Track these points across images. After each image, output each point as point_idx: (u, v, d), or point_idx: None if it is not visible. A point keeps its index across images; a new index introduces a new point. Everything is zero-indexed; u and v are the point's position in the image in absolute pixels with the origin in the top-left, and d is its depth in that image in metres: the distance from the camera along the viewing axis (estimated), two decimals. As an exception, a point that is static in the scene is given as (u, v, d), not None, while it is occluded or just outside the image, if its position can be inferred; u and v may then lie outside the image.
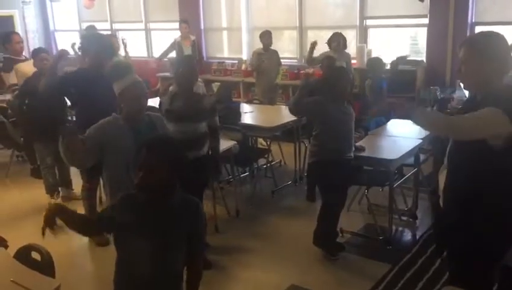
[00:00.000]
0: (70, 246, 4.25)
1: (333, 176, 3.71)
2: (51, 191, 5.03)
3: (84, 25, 10.50)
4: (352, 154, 3.82)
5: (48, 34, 11.23)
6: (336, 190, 3.81)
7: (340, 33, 6.19)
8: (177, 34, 7.70)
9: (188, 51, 7.43)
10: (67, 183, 5.22)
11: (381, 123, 4.89)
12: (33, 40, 10.54)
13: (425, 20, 6.58)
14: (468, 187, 2.15)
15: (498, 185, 2.07)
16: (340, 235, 4.15)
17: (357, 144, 4.04)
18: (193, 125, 3.62)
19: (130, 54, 6.79)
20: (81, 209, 4.36)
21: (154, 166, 1.95)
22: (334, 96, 3.70)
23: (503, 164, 2.03)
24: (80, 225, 2.16)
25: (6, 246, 2.86)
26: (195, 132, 3.64)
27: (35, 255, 2.46)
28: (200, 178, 3.77)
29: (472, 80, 2.17)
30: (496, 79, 2.11)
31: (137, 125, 2.90)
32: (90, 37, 4.23)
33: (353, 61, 6.65)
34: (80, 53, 4.65)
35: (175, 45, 7.51)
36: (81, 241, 4.31)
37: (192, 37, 7.71)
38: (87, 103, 3.94)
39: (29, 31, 10.66)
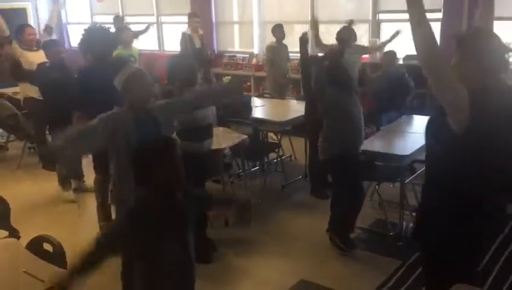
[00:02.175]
0: (82, 237, 4.27)
1: (350, 173, 3.71)
2: (64, 182, 5.07)
3: (96, 18, 10.56)
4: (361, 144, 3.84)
5: (60, 26, 11.27)
6: (353, 187, 3.81)
7: (350, 27, 6.07)
8: (184, 27, 7.65)
9: (198, 44, 7.39)
10: (79, 176, 5.25)
11: (393, 119, 4.86)
12: (45, 33, 10.57)
13: (439, 15, 6.50)
14: (435, 173, 2.21)
15: (459, 171, 2.06)
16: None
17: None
18: (202, 112, 3.62)
19: (141, 47, 6.83)
20: (93, 202, 4.39)
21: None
22: (343, 87, 3.71)
23: (463, 150, 2.02)
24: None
25: (18, 237, 2.89)
26: (204, 119, 3.66)
27: (47, 246, 2.48)
28: (209, 171, 3.80)
29: (456, 75, 2.10)
30: (478, 79, 2.03)
31: (140, 119, 2.84)
32: (92, 32, 4.12)
33: (365, 56, 6.60)
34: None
35: (186, 38, 7.45)
36: (92, 232, 4.33)
37: (201, 31, 7.63)
38: (91, 101, 3.95)
39: (41, 23, 10.70)
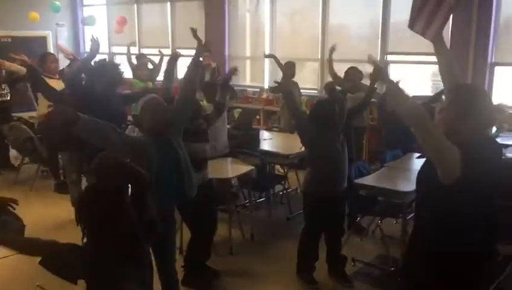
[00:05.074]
0: None
1: (327, 215, 3.86)
2: (77, 205, 5.19)
3: (114, 49, 10.92)
4: (345, 185, 3.92)
5: (79, 55, 11.62)
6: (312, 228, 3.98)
7: (356, 67, 6.17)
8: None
9: (207, 76, 7.60)
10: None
11: (397, 156, 4.96)
12: (64, 61, 10.91)
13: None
14: (423, 221, 2.30)
15: (449, 221, 2.15)
16: (353, 264, 4.21)
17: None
18: (201, 146, 3.81)
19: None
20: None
21: None
22: (325, 125, 3.81)
23: (452, 202, 2.11)
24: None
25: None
26: (202, 153, 3.82)
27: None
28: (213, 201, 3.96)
29: (442, 126, 2.21)
30: (468, 133, 2.12)
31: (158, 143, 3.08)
32: (99, 66, 4.34)
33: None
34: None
35: None
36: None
37: (213, 64, 7.82)
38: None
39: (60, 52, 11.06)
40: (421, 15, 1.81)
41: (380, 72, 2.12)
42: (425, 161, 2.35)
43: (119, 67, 4.43)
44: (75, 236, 5.15)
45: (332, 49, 5.77)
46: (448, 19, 1.77)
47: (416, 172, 4.47)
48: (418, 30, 1.82)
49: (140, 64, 7.41)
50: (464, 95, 2.23)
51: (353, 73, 6.07)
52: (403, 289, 3.61)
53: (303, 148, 5.25)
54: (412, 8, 1.84)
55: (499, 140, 3.96)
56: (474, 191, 2.08)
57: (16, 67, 6.25)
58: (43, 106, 5.88)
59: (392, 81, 2.10)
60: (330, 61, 5.84)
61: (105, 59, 4.38)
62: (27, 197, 5.98)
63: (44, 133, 5.97)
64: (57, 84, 5.56)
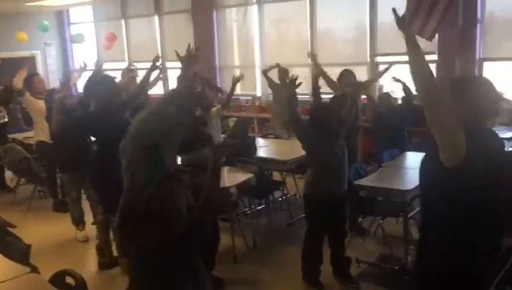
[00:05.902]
0: (103, 271, 4.36)
1: (328, 218, 3.89)
2: (76, 223, 5.19)
3: (104, 65, 10.91)
4: (345, 188, 3.95)
5: (68, 74, 11.60)
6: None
7: (351, 70, 6.25)
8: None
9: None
10: (81, 223, 5.25)
11: (395, 155, 5.00)
12: (54, 80, 10.91)
13: (434, 57, 6.77)
14: (430, 211, 2.32)
15: (453, 209, 2.16)
16: (357, 265, 4.23)
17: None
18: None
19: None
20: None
21: None
22: (324, 129, 3.85)
23: (451, 186, 2.12)
24: None
25: (38, 274, 2.99)
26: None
27: (69, 280, 2.58)
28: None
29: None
30: (466, 122, 2.11)
31: None
32: (94, 81, 4.32)
33: (363, 97, 6.80)
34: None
35: None
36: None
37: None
38: (101, 148, 4.16)
39: (50, 71, 11.06)
40: (417, 15, 1.85)
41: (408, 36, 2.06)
42: (426, 153, 2.36)
43: (113, 79, 4.41)
44: (77, 255, 5.17)
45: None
46: (444, 18, 1.81)
47: (415, 170, 4.52)
48: (414, 31, 1.86)
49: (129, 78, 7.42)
50: (461, 83, 2.24)
51: (347, 74, 6.12)
52: (410, 287, 3.66)
53: (300, 154, 5.32)
54: (407, 10, 1.88)
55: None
56: (477, 176, 2.08)
57: (20, 77, 6.23)
58: (39, 127, 5.88)
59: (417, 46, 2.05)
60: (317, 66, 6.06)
61: (98, 75, 4.36)
62: (26, 218, 5.96)
63: (45, 154, 5.94)
64: (38, 103, 5.60)
